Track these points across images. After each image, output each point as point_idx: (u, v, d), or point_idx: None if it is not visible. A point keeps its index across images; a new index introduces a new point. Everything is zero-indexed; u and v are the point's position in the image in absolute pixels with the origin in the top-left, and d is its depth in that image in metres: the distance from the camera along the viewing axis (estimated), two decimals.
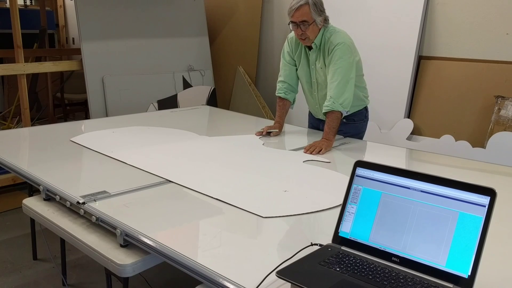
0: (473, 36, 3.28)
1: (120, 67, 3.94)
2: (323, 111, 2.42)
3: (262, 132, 2.60)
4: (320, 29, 2.40)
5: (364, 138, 2.69)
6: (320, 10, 2.36)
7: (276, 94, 2.70)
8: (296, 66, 2.62)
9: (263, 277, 1.11)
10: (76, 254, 2.72)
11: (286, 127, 2.81)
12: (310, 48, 2.48)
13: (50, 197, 1.81)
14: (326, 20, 2.41)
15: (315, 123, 2.79)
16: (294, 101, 2.72)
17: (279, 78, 2.68)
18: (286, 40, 2.62)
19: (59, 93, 5.50)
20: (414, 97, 3.52)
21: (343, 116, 2.42)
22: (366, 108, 2.67)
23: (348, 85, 2.37)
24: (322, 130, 2.57)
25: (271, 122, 2.89)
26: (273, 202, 1.63)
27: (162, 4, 4.24)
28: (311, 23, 2.33)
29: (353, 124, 2.62)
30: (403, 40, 3.49)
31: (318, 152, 2.26)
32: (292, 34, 2.57)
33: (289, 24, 2.40)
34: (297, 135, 2.71)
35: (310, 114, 2.84)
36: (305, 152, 2.27)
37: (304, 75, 2.58)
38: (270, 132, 2.62)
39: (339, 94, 2.35)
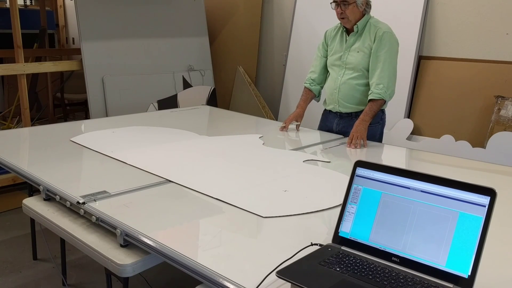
0: (473, 36, 3.28)
1: (120, 67, 3.94)
2: (372, 97, 2.44)
3: (285, 126, 2.70)
4: (362, 13, 2.48)
5: None
6: None
7: (303, 83, 2.80)
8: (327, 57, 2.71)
9: (263, 277, 1.11)
10: (76, 254, 2.72)
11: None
12: (349, 32, 2.55)
13: (50, 197, 1.80)
14: (368, 5, 2.49)
15: (329, 124, 2.74)
16: (319, 94, 2.79)
17: (310, 69, 2.78)
18: (324, 34, 2.71)
19: (59, 93, 5.50)
20: (414, 97, 3.52)
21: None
22: (382, 111, 2.63)
23: (395, 76, 2.48)
24: (335, 132, 2.67)
25: (271, 122, 2.89)
26: (273, 202, 1.63)
27: (162, 4, 4.24)
28: (351, 3, 2.41)
29: (368, 127, 2.60)
30: (403, 40, 3.46)
31: (362, 145, 2.39)
32: (329, 28, 2.68)
33: (331, 4, 2.47)
34: (298, 135, 2.71)
35: (324, 112, 2.80)
36: (350, 147, 2.38)
37: (334, 60, 2.62)
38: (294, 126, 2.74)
39: (390, 83, 2.45)
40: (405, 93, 3.50)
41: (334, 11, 2.49)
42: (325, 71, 2.73)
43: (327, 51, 2.69)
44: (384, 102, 2.47)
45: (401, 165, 2.22)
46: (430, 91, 3.44)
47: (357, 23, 2.48)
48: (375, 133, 2.63)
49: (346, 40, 2.56)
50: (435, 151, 2.75)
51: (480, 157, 2.99)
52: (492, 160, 2.79)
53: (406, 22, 3.47)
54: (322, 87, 2.77)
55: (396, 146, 2.55)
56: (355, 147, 2.38)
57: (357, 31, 2.50)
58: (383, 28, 2.46)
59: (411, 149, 2.56)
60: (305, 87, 2.78)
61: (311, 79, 2.75)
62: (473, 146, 3.14)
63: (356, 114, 2.56)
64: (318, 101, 2.83)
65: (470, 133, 3.23)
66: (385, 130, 3.30)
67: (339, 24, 2.60)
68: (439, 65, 3.42)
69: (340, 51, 2.59)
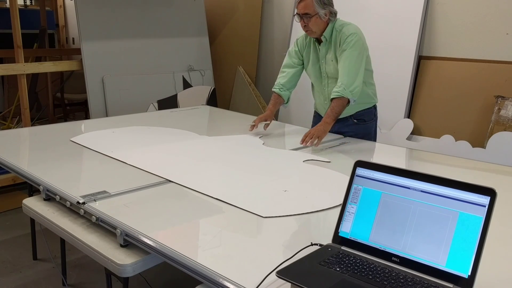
0: (473, 36, 3.28)
1: (120, 67, 3.94)
2: (332, 96, 2.40)
3: (254, 125, 2.60)
4: (326, 23, 2.42)
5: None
6: (325, 3, 2.38)
7: (272, 89, 2.73)
8: (301, 65, 2.65)
9: (263, 277, 1.11)
10: (76, 254, 2.72)
11: (286, 127, 2.81)
12: (319, 42, 2.51)
13: (50, 197, 1.80)
14: (332, 13, 2.43)
15: None
16: (288, 100, 2.72)
17: (280, 74, 2.71)
18: (295, 41, 2.65)
19: (59, 93, 5.51)
20: (414, 97, 3.52)
21: (350, 104, 2.41)
22: (375, 107, 2.65)
23: (359, 74, 2.39)
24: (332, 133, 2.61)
25: (271, 122, 2.88)
26: (273, 202, 1.63)
27: (162, 4, 4.24)
28: (313, 16, 2.36)
29: (363, 125, 2.61)
30: (403, 40, 3.49)
31: (314, 144, 2.27)
32: (300, 34, 2.60)
33: (294, 16, 2.44)
34: (298, 135, 2.71)
35: (315, 114, 2.82)
36: (302, 143, 2.29)
37: (314, 71, 2.59)
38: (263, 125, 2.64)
39: (350, 81, 2.36)
40: (405, 93, 3.50)
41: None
42: (296, 77, 2.67)
43: (301, 60, 2.63)
44: (347, 101, 2.38)
45: (401, 165, 2.22)
46: (430, 91, 3.45)
47: (324, 34, 2.44)
48: (370, 130, 2.64)
49: (319, 49, 2.52)
50: (435, 151, 2.75)
51: (480, 157, 2.99)
52: (492, 160, 2.79)
53: (406, 22, 3.47)
54: (291, 92, 2.71)
55: (396, 146, 2.55)
56: (306, 144, 2.30)
57: (326, 41, 2.46)
58: (347, 31, 2.40)
59: (411, 149, 2.56)
60: (274, 92, 2.70)
61: (281, 84, 2.67)
62: (473, 146, 3.14)
63: (351, 116, 2.57)
64: (286, 107, 2.78)
65: (470, 133, 3.23)
66: (384, 130, 3.30)
67: None
68: (439, 65, 3.42)
69: (317, 61, 2.55)
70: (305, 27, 2.41)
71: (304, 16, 2.37)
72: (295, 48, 2.64)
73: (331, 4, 2.42)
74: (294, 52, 2.65)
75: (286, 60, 2.70)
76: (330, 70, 2.50)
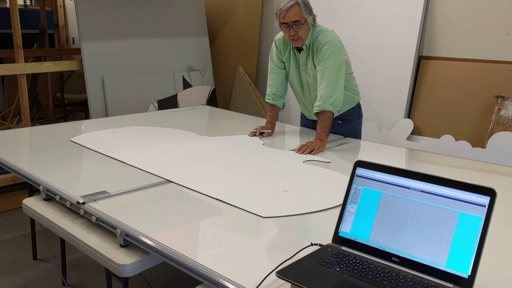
0: (473, 36, 3.28)
1: (120, 67, 3.94)
2: (314, 111, 2.40)
3: (255, 132, 2.59)
4: (310, 29, 2.38)
5: (364, 138, 2.68)
6: (310, 9, 2.35)
7: (265, 99, 2.69)
8: (285, 68, 2.59)
9: (263, 277, 1.11)
10: (76, 254, 2.72)
11: (286, 127, 2.81)
12: (299, 50, 2.45)
13: (50, 197, 1.81)
14: (314, 20, 2.39)
15: (309, 124, 2.76)
16: (284, 106, 2.69)
17: (269, 82, 2.65)
18: (274, 43, 2.58)
19: (59, 93, 5.51)
20: (414, 97, 3.52)
21: (334, 115, 2.40)
22: (358, 105, 2.64)
23: (338, 84, 2.35)
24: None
25: None
26: (273, 202, 1.63)
27: (162, 4, 4.24)
28: (303, 23, 2.30)
29: (348, 125, 2.62)
30: (403, 40, 3.49)
31: (310, 152, 2.24)
32: (279, 36, 2.53)
33: (280, 26, 2.36)
34: (297, 135, 2.71)
35: (302, 115, 2.82)
36: (297, 152, 2.26)
37: (295, 77, 2.55)
38: (263, 132, 2.60)
39: (329, 94, 2.33)
40: (405, 93, 3.50)
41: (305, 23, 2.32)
42: (284, 83, 2.63)
43: (283, 62, 2.57)
44: (332, 113, 2.36)
45: (401, 165, 2.22)
46: (430, 91, 3.44)
47: (305, 42, 2.38)
48: (356, 129, 2.64)
49: (298, 57, 2.47)
50: (435, 151, 2.75)
51: (480, 157, 2.99)
52: (492, 160, 2.79)
53: (406, 22, 3.47)
54: (284, 98, 2.67)
55: (396, 146, 2.55)
56: (302, 153, 2.26)
57: (307, 48, 2.41)
58: (322, 40, 2.34)
59: (411, 149, 2.56)
60: (269, 103, 2.66)
61: (273, 94, 2.62)
62: (473, 146, 3.14)
63: (335, 118, 2.51)
64: (283, 112, 2.74)
65: (470, 133, 3.23)
66: (385, 130, 3.30)
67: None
68: (439, 65, 3.42)
69: (296, 68, 2.51)
70: (294, 35, 2.32)
71: (293, 25, 2.28)
72: (276, 51, 2.57)
73: (312, 10, 2.38)
74: (275, 55, 2.58)
75: (270, 65, 2.62)
76: (309, 78, 2.47)
